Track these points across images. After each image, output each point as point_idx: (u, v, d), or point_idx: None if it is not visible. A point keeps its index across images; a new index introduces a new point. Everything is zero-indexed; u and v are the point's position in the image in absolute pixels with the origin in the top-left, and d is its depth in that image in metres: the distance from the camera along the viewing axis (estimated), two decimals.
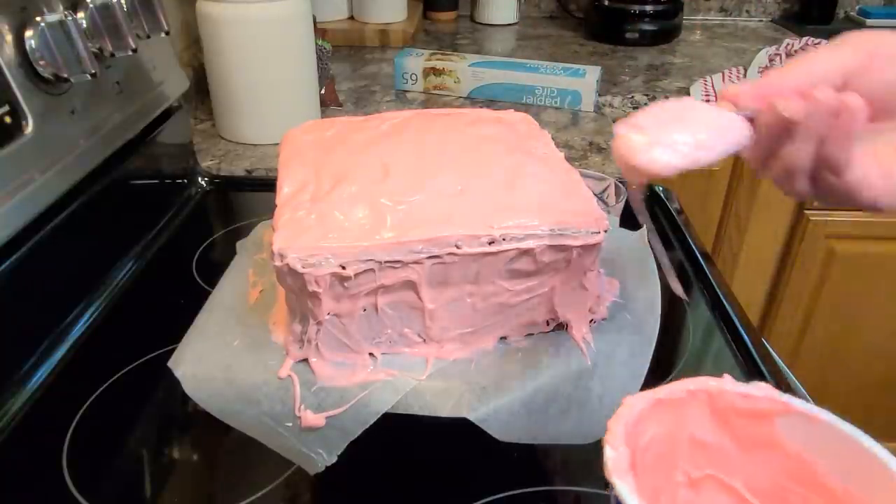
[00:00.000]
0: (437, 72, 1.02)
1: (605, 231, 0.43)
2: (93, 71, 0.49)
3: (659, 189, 0.73)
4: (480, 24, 1.49)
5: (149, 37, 0.57)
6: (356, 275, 0.40)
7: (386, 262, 0.41)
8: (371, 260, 0.40)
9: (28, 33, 0.46)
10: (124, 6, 0.52)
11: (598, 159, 0.84)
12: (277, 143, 0.54)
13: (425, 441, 0.42)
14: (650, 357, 0.46)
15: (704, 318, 0.54)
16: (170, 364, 0.45)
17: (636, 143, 0.33)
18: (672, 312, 0.54)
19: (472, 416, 0.40)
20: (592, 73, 0.97)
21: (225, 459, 0.42)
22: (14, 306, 0.47)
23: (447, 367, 0.44)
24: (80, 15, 0.50)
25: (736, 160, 1.07)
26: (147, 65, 0.63)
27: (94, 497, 0.39)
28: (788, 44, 1.13)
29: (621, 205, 0.59)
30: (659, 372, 0.47)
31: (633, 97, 1.03)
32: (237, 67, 0.82)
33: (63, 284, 0.53)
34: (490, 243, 0.41)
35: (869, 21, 1.43)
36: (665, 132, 0.33)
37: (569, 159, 0.51)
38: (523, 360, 0.45)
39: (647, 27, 1.30)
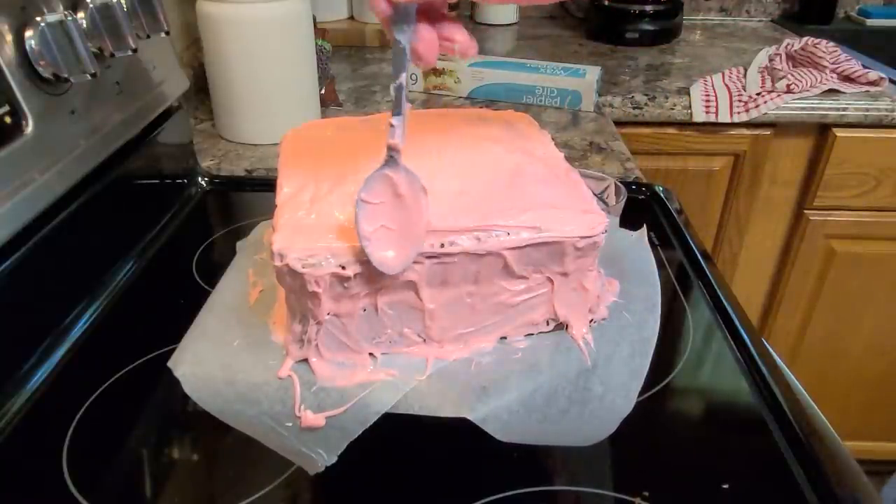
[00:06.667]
0: (437, 72, 1.02)
1: (604, 231, 0.43)
2: (93, 71, 0.49)
3: (659, 189, 0.73)
4: (480, 24, 1.48)
5: (149, 37, 0.57)
6: (356, 275, 0.40)
7: None
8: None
9: (28, 33, 0.46)
10: (124, 6, 0.52)
11: (598, 159, 0.84)
12: (277, 143, 0.54)
13: (425, 441, 0.42)
14: (650, 357, 0.46)
15: (704, 318, 0.54)
16: (170, 364, 0.45)
17: None
18: (672, 312, 0.54)
19: (472, 416, 0.40)
20: (592, 73, 0.97)
21: (225, 459, 0.42)
22: (14, 306, 0.47)
23: (447, 367, 0.44)
24: (80, 15, 0.50)
25: (736, 160, 1.07)
26: (147, 65, 0.63)
27: (94, 497, 0.39)
28: (788, 44, 1.13)
29: (621, 205, 0.59)
30: (659, 372, 0.47)
31: (633, 97, 1.03)
32: (237, 67, 0.82)
33: (63, 284, 0.53)
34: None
35: (869, 21, 1.43)
36: None
37: (569, 159, 0.51)
38: (523, 360, 0.45)
39: (647, 27, 1.30)
